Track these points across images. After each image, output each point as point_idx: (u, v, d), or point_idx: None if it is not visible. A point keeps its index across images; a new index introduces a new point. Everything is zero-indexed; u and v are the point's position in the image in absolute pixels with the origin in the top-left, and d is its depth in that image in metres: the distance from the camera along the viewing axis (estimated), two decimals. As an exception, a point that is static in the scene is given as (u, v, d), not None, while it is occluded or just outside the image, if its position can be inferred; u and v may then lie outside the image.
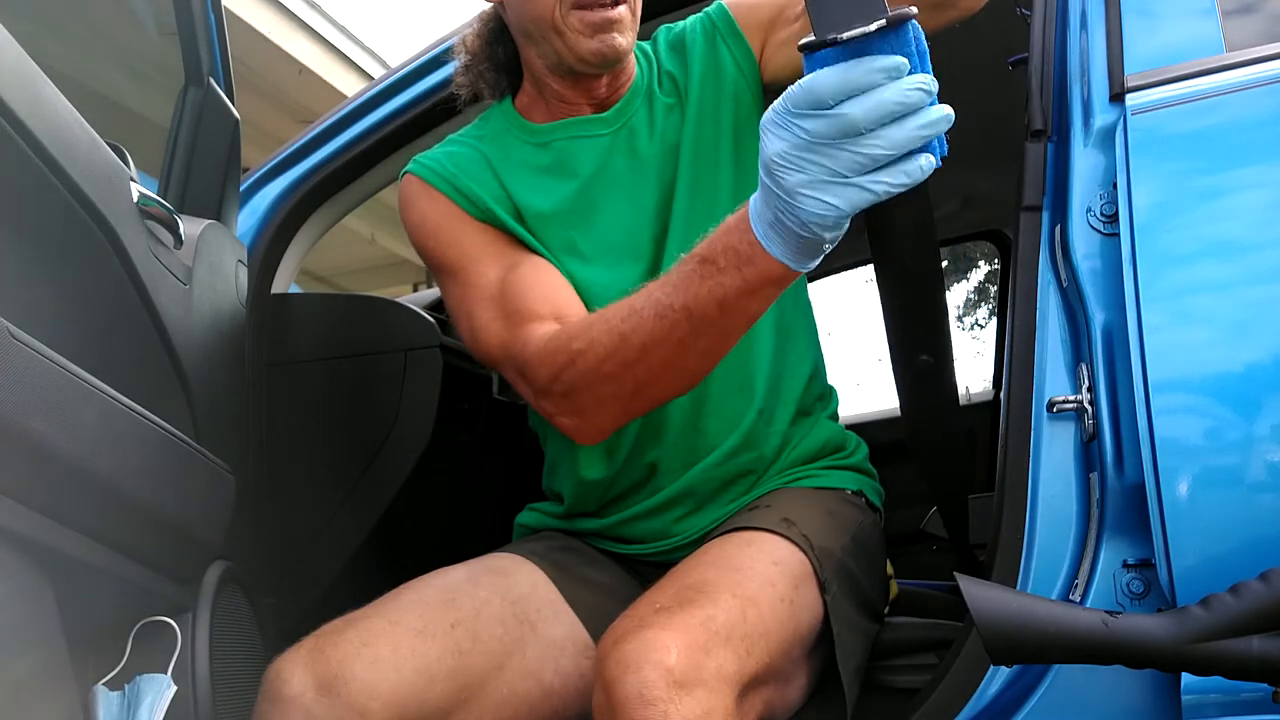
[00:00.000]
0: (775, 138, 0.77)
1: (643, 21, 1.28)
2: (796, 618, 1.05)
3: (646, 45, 1.35)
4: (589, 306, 1.21)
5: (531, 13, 1.19)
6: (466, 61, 1.34)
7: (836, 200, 0.76)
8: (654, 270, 1.24)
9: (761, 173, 0.81)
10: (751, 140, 1.29)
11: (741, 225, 0.88)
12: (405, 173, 1.28)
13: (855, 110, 0.73)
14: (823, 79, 0.73)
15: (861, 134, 0.73)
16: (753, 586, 1.02)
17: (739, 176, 1.27)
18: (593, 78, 1.24)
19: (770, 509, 1.18)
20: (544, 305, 1.15)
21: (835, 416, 1.39)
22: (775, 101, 0.78)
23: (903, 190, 0.75)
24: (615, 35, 1.18)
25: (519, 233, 1.24)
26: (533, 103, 1.30)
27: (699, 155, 1.26)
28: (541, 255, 1.24)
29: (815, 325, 1.38)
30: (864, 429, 1.47)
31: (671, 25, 1.36)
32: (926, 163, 0.74)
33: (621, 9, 1.18)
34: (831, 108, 0.73)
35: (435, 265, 1.25)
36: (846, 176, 0.75)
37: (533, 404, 1.15)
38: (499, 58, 1.32)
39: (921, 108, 0.73)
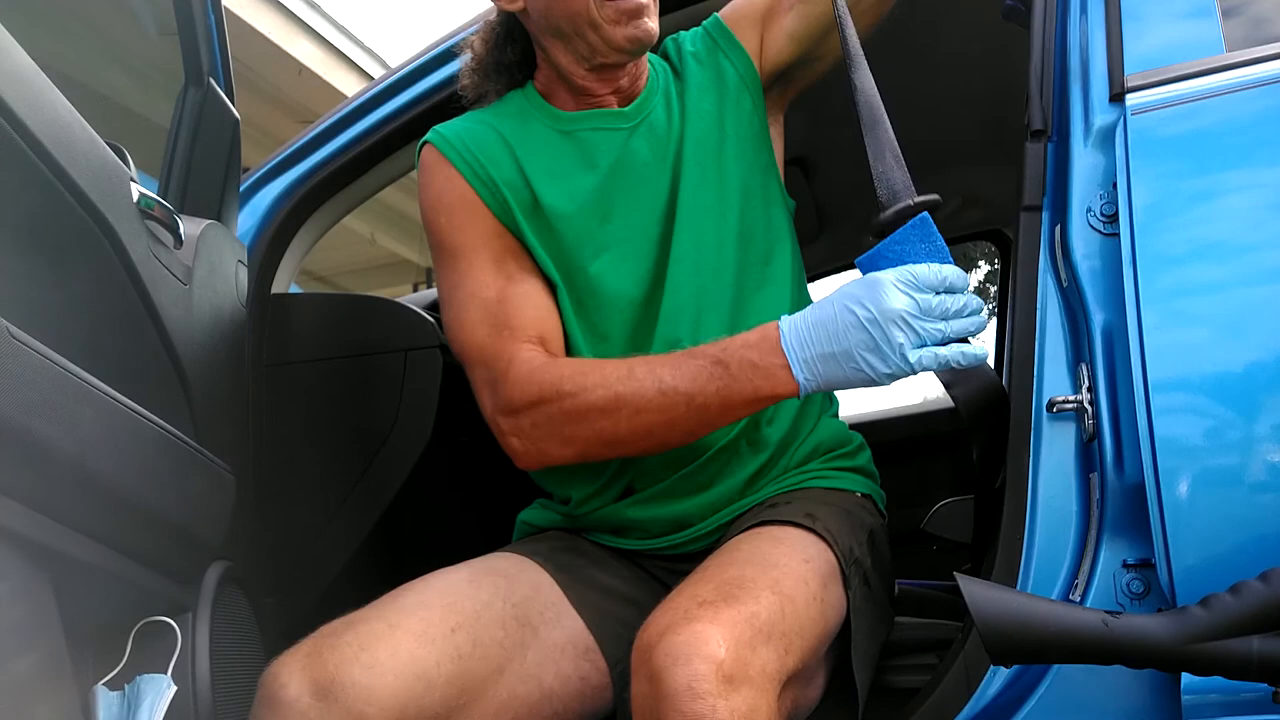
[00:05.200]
0: (900, 296, 0.99)
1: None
2: (825, 616, 1.06)
3: (653, 55, 1.37)
4: (598, 301, 1.25)
5: (565, 10, 1.22)
6: (473, 65, 1.36)
7: (916, 360, 1.00)
8: (661, 267, 1.25)
9: (860, 318, 1.00)
10: (754, 142, 1.33)
11: (767, 344, 1.06)
12: (425, 142, 1.29)
13: (960, 301, 1.01)
14: (953, 271, 1.00)
15: (948, 319, 1.01)
16: (788, 584, 1.02)
17: (746, 178, 1.30)
18: (617, 68, 1.27)
19: (791, 505, 1.19)
20: (533, 327, 1.21)
21: (836, 414, 1.40)
22: (900, 273, 1.00)
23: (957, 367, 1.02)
24: (645, 20, 1.22)
25: (523, 230, 1.25)
26: (553, 91, 1.31)
27: (702, 160, 1.29)
28: (539, 258, 1.25)
29: None
30: (864, 429, 1.46)
31: (676, 36, 1.40)
32: (972, 349, 1.02)
33: None
34: (941, 293, 1.00)
35: (437, 244, 1.27)
36: (925, 345, 1.01)
37: (488, 414, 1.20)
38: (508, 58, 1.34)
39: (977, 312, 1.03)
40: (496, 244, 1.25)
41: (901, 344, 0.99)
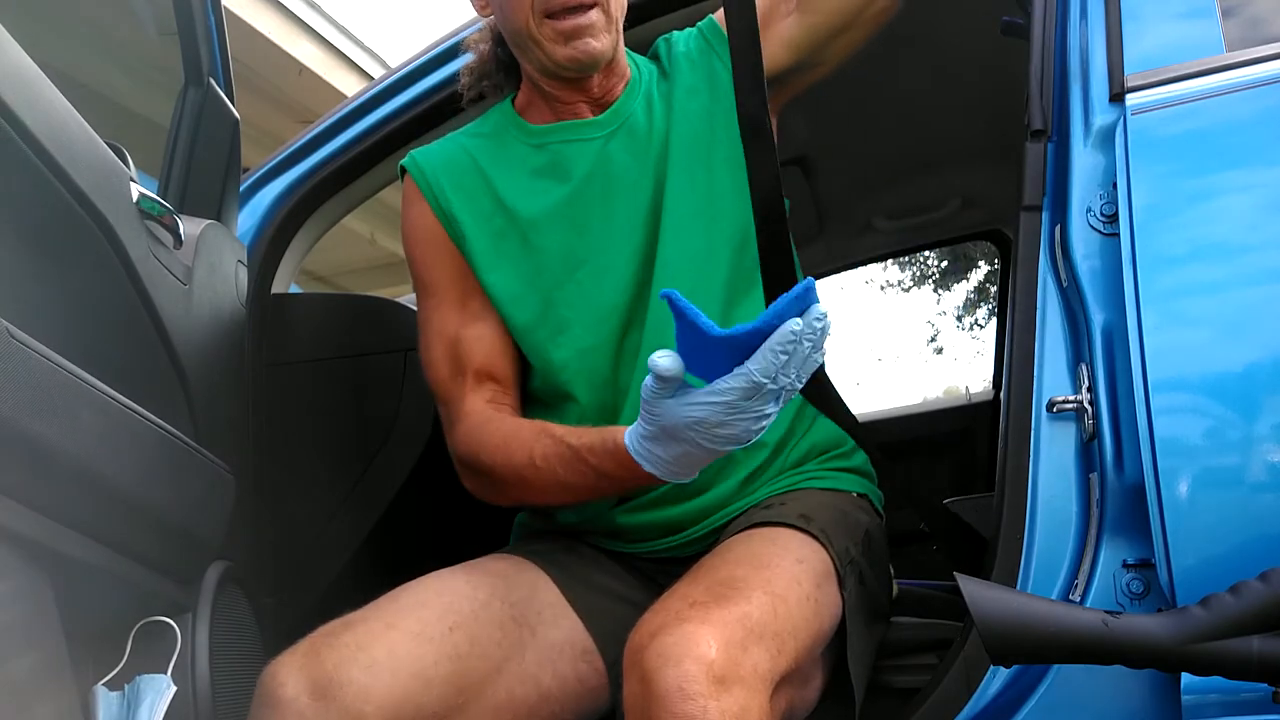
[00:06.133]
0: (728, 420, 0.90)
1: (636, 24, 1.28)
2: (820, 616, 1.06)
3: (641, 58, 1.36)
4: (580, 313, 1.25)
5: (511, 25, 1.23)
6: (471, 62, 1.38)
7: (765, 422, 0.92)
8: (646, 272, 1.25)
9: (680, 432, 0.92)
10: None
11: (625, 461, 1.01)
12: (402, 167, 1.32)
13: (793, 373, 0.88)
14: (762, 367, 0.86)
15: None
16: (781, 584, 1.02)
17: (739, 179, 1.26)
18: (582, 79, 1.26)
19: (786, 506, 1.19)
20: (485, 369, 1.28)
21: None
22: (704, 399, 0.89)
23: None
24: (589, 40, 1.21)
25: (479, 263, 1.27)
26: (530, 103, 1.32)
27: (689, 162, 1.27)
28: (505, 283, 1.27)
29: None
30: (864, 429, 1.46)
31: (669, 36, 1.38)
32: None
33: (593, 14, 1.20)
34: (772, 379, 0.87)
35: (413, 275, 1.33)
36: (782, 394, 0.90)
37: (449, 450, 1.27)
38: (502, 58, 1.35)
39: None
40: (463, 283, 1.29)
41: (762, 420, 0.91)
